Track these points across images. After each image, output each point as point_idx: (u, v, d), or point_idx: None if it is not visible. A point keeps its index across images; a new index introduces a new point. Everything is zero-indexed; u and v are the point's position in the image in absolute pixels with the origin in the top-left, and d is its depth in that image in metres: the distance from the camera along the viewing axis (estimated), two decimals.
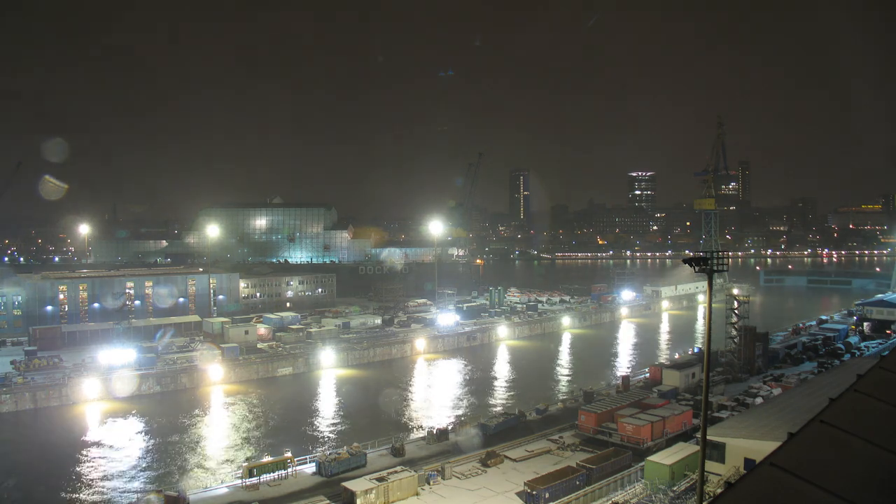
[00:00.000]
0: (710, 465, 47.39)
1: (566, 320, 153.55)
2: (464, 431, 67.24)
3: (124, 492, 59.78)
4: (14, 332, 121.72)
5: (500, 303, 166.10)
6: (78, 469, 66.10)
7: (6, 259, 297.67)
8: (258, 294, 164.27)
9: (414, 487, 50.57)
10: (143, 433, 78.63)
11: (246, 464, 56.30)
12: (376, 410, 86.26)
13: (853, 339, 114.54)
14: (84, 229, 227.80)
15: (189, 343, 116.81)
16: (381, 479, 49.41)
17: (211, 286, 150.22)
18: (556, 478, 51.08)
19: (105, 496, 59.26)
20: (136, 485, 61.40)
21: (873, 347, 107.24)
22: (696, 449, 50.21)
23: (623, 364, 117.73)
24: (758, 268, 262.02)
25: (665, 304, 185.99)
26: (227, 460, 67.94)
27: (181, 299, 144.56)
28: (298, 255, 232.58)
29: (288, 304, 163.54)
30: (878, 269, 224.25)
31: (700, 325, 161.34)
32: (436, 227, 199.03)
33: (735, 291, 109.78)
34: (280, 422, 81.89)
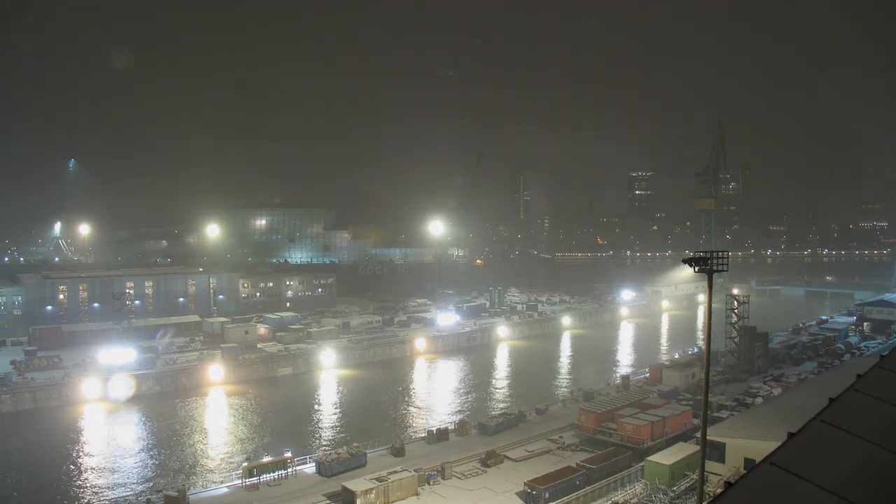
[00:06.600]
0: (710, 465, 47.36)
1: (566, 320, 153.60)
2: (464, 431, 67.28)
3: (124, 492, 59.77)
4: (14, 332, 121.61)
5: (500, 303, 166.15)
6: (78, 469, 66.10)
7: (6, 259, 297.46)
8: (258, 294, 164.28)
9: (414, 487, 50.57)
10: (143, 433, 78.76)
11: (246, 464, 56.26)
12: (376, 410, 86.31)
13: (853, 339, 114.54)
14: (84, 229, 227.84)
15: (189, 343, 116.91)
16: (381, 479, 49.38)
17: (211, 286, 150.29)
18: (556, 478, 51.08)
19: (105, 496, 59.21)
20: (136, 485, 61.41)
21: (873, 347, 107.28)
22: (696, 449, 50.22)
23: (623, 364, 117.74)
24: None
25: (665, 304, 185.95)
26: (228, 460, 67.92)
27: (181, 299, 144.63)
28: (298, 256, 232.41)
29: (288, 304, 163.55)
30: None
31: (700, 325, 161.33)
32: (436, 227, 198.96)
33: (735, 291, 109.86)
34: (280, 422, 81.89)
